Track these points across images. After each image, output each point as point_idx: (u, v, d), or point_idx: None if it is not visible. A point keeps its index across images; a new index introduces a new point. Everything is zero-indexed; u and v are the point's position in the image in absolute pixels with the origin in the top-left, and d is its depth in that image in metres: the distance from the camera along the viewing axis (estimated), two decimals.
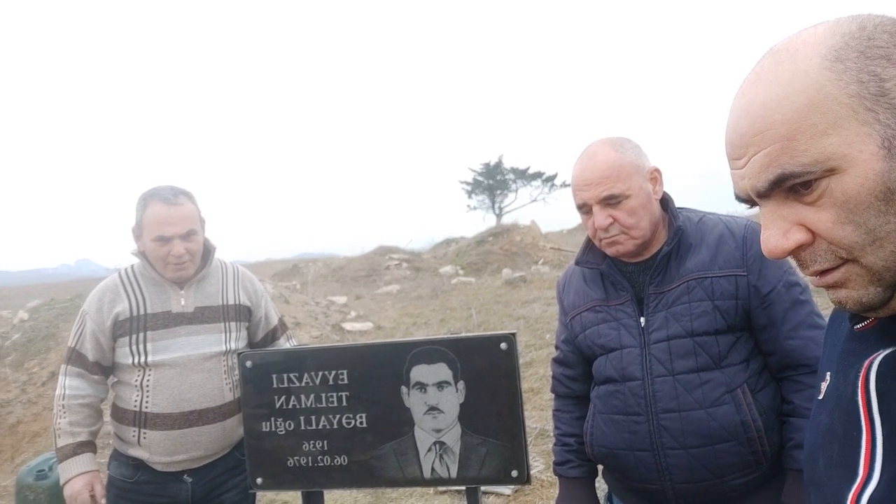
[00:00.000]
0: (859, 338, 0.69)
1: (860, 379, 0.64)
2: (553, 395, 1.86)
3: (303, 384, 1.90)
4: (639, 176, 1.50)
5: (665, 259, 1.52)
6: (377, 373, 1.85)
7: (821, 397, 0.74)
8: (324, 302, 10.89)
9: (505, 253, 15.48)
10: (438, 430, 1.79)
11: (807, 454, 0.76)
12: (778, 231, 0.62)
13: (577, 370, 1.72)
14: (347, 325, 9.28)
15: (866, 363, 0.64)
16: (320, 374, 1.89)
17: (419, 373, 1.81)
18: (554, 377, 1.81)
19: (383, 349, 1.89)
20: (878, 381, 0.62)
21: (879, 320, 0.66)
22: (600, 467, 1.73)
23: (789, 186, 0.60)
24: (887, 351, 0.63)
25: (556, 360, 1.80)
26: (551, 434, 4.53)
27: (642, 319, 1.52)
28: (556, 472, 1.77)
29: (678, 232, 1.51)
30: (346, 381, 1.87)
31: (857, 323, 0.69)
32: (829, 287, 0.63)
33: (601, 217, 1.48)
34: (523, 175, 40.10)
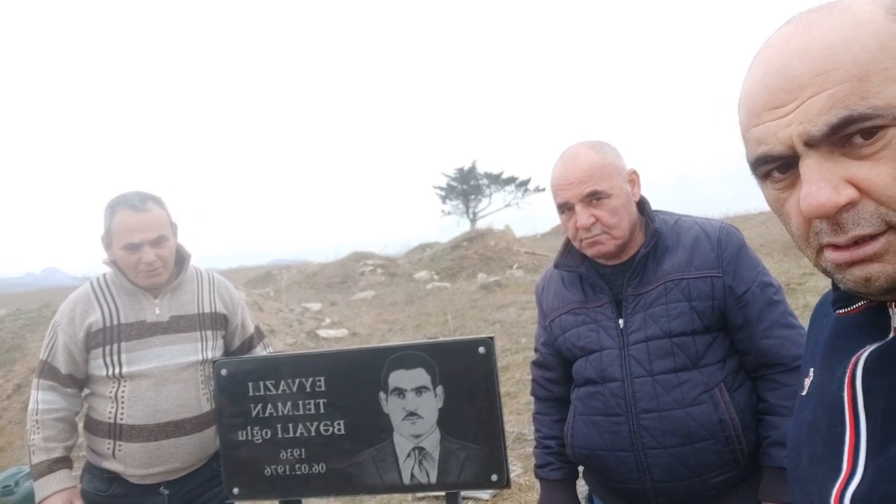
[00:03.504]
0: (845, 334, 0.68)
1: (847, 375, 0.64)
2: (532, 399, 1.86)
3: (279, 392, 1.87)
4: (619, 177, 1.52)
5: (643, 261, 1.54)
6: (355, 379, 1.83)
7: (804, 393, 0.74)
8: (298, 309, 10.80)
9: (480, 258, 15.52)
10: (417, 436, 1.78)
11: (790, 450, 0.75)
12: (827, 184, 0.56)
13: (557, 372, 1.73)
14: (322, 332, 9.21)
15: (853, 359, 0.64)
16: (297, 381, 1.87)
17: (397, 378, 1.80)
18: (534, 380, 1.82)
19: (361, 355, 1.87)
20: (865, 377, 0.62)
21: (865, 309, 0.65)
22: (580, 468, 1.74)
23: (845, 136, 0.56)
24: (873, 346, 0.63)
25: (535, 363, 1.81)
26: (528, 438, 4.57)
27: (621, 321, 1.54)
28: (536, 475, 1.78)
29: (655, 234, 1.53)
30: (323, 388, 1.85)
31: (842, 307, 0.67)
32: (859, 262, 0.58)
33: (584, 216, 1.49)
34: (497, 180, 40.30)
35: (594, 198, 1.49)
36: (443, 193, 41.49)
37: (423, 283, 14.19)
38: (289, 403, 1.86)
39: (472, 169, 40.37)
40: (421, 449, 1.79)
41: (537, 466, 1.77)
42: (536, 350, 1.81)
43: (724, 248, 1.51)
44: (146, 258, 2.02)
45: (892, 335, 0.62)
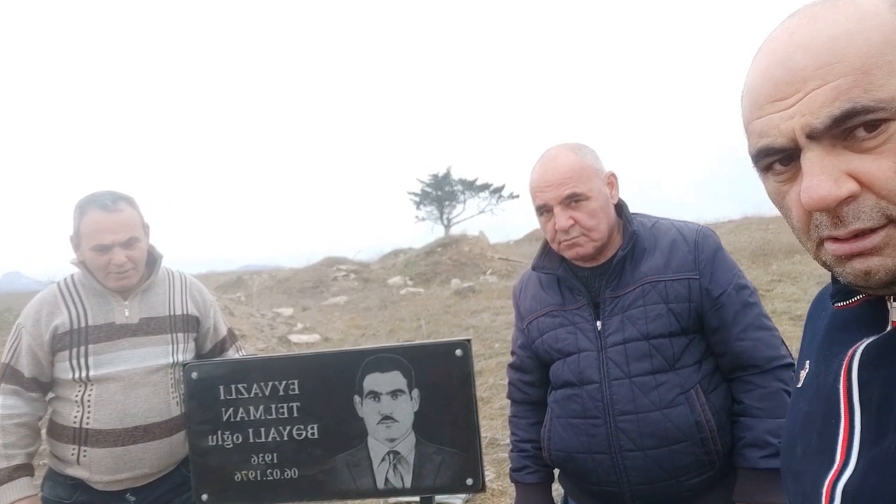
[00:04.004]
0: (842, 327, 0.69)
1: (843, 367, 0.64)
2: (506, 403, 1.85)
3: (252, 395, 1.84)
4: (598, 179, 1.53)
5: (620, 263, 1.54)
6: (329, 382, 1.81)
7: (799, 385, 0.74)
8: (269, 314, 10.69)
9: (454, 263, 15.54)
10: (392, 440, 1.76)
11: (785, 442, 0.75)
12: (828, 178, 0.56)
13: (534, 375, 1.73)
14: (294, 338, 9.11)
15: (850, 352, 0.64)
16: (270, 384, 1.83)
17: (373, 381, 1.78)
18: (510, 383, 1.81)
19: (336, 358, 1.85)
20: (861, 369, 0.62)
21: (864, 303, 0.66)
22: (556, 472, 1.74)
23: (847, 129, 0.56)
24: (870, 339, 0.63)
25: (512, 366, 1.80)
26: (501, 443, 4.56)
27: (599, 323, 1.54)
28: (512, 479, 1.77)
29: (633, 236, 1.53)
30: (297, 392, 1.82)
31: (840, 301, 0.68)
32: (859, 255, 0.58)
33: (562, 218, 1.49)
34: (471, 186, 40.42)
35: (573, 200, 1.49)
36: (417, 199, 41.47)
37: (397, 288, 14.15)
38: (261, 407, 1.83)
39: (447, 175, 40.44)
40: (396, 453, 1.76)
41: (513, 470, 1.76)
42: (513, 353, 1.80)
43: (700, 250, 1.52)
44: (116, 260, 1.96)
45: (889, 328, 0.62)
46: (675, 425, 1.44)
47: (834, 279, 0.68)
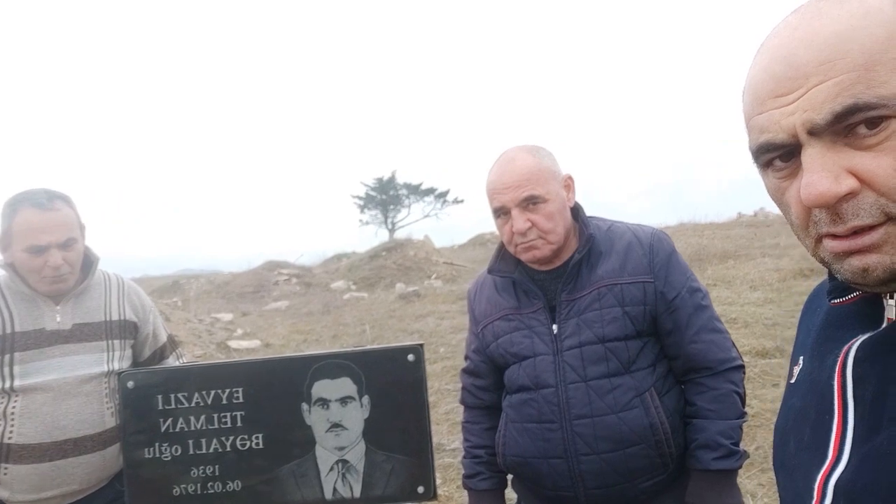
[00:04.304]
0: (837, 324, 0.69)
1: (837, 363, 0.64)
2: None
3: (192, 405, 1.75)
4: (555, 182, 1.52)
5: (576, 266, 1.53)
6: (276, 390, 1.74)
7: (793, 381, 0.74)
8: (208, 319, 10.38)
9: (398, 268, 15.46)
10: (341, 448, 1.71)
11: (778, 437, 0.75)
12: (828, 174, 0.56)
13: (488, 380, 1.70)
14: (234, 343, 8.86)
15: (845, 348, 0.64)
16: (212, 392, 1.75)
17: (321, 388, 1.72)
18: (464, 388, 1.78)
19: (283, 364, 1.78)
20: (856, 365, 0.62)
21: (859, 300, 0.66)
22: (510, 477, 1.72)
23: (848, 125, 0.56)
24: (865, 336, 0.63)
25: (465, 371, 1.77)
26: (447, 448, 4.53)
27: (555, 327, 1.53)
28: (465, 486, 1.74)
29: (590, 239, 1.53)
30: (241, 400, 1.74)
31: (837, 297, 0.68)
32: (857, 252, 0.58)
33: (520, 221, 1.48)
34: (416, 190, 40.47)
35: (531, 202, 1.48)
36: (361, 203, 41.24)
37: (340, 292, 13.98)
38: (202, 417, 1.74)
39: (392, 179, 40.38)
40: (345, 462, 1.71)
41: (466, 477, 1.73)
42: (467, 357, 1.77)
43: (655, 253, 1.53)
44: (52, 262, 1.83)
45: (885, 325, 0.62)
46: (630, 428, 1.45)
47: (831, 276, 0.68)
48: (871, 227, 0.57)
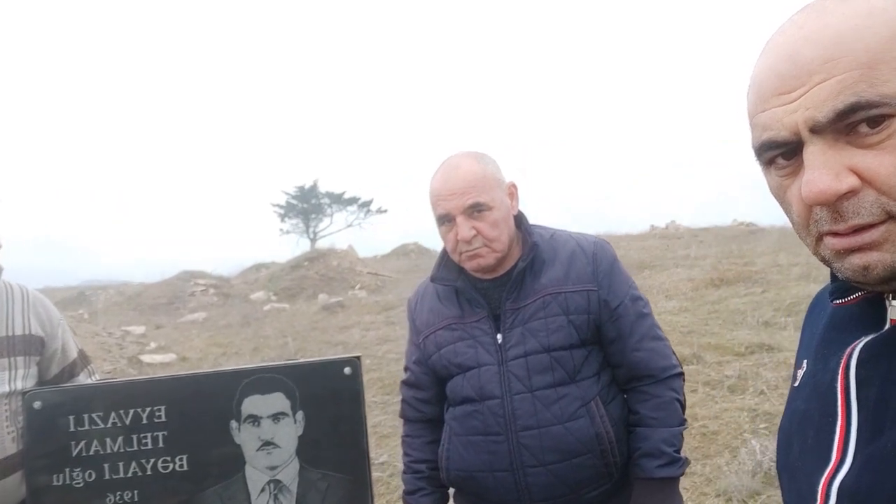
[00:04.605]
0: (840, 326, 0.69)
1: (841, 366, 0.64)
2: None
3: (109, 425, 1.61)
4: (500, 189, 1.50)
5: (521, 275, 1.52)
6: (202, 407, 1.63)
7: (796, 384, 0.74)
8: (118, 332, 9.85)
9: (321, 278, 15.19)
10: (273, 468, 1.62)
11: (781, 440, 0.75)
12: (829, 172, 0.56)
13: (430, 392, 1.66)
14: (147, 358, 8.43)
15: (848, 350, 0.64)
16: (131, 412, 1.62)
17: (252, 404, 1.62)
18: (404, 401, 1.72)
19: (210, 380, 1.67)
20: (859, 368, 0.62)
21: (862, 301, 0.66)
22: (451, 492, 1.68)
23: (851, 123, 0.56)
24: (868, 338, 0.63)
25: (405, 383, 1.72)
26: (376, 462, 4.44)
27: (499, 336, 1.51)
28: (406, 502, 1.68)
29: (534, 248, 1.52)
30: (163, 419, 1.62)
31: (839, 298, 0.68)
32: (858, 250, 0.58)
33: (465, 228, 1.45)
34: (339, 200, 39.97)
35: (476, 210, 1.45)
36: (282, 211, 40.30)
37: (260, 304, 13.59)
38: (119, 439, 1.61)
39: (314, 187, 39.71)
40: (277, 482, 1.62)
41: (406, 493, 1.68)
42: (407, 369, 1.72)
43: (599, 262, 1.53)
44: None
45: (888, 326, 0.63)
46: (576, 438, 1.44)
47: (833, 277, 0.68)
48: (871, 226, 0.57)
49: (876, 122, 0.55)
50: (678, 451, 1.47)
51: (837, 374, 0.64)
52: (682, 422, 1.51)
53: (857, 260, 0.59)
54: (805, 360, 0.75)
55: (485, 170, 1.49)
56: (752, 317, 6.98)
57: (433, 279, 1.62)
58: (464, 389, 1.53)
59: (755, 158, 0.65)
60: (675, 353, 1.57)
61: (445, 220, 1.49)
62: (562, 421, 1.44)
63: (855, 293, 0.67)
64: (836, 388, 0.64)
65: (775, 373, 5.11)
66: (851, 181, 0.56)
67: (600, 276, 1.52)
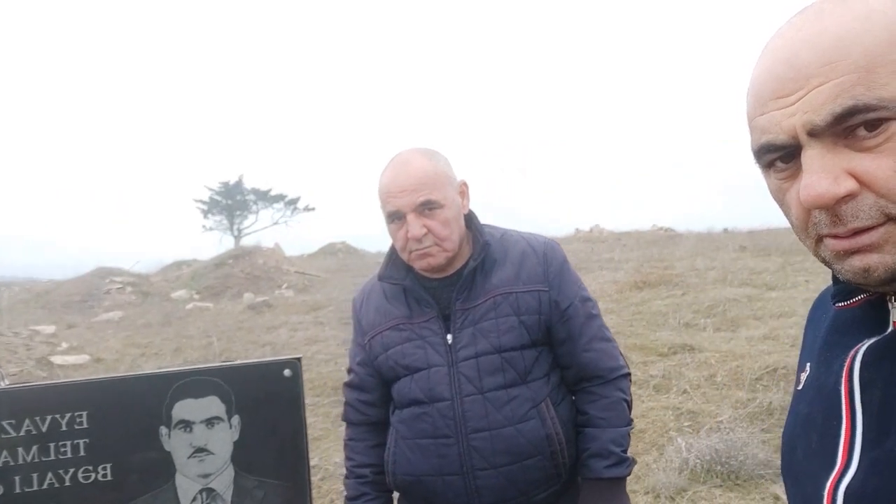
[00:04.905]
0: (843, 329, 0.69)
1: (844, 369, 0.64)
2: (340, 424, 1.72)
3: (21, 433, 1.48)
4: (451, 187, 1.47)
5: (471, 274, 1.49)
6: (128, 412, 1.52)
7: (800, 388, 0.74)
8: (25, 332, 9.24)
9: (247, 276, 14.77)
10: (206, 475, 1.53)
11: (785, 443, 0.75)
12: (828, 175, 0.56)
13: (375, 394, 1.61)
14: (57, 359, 7.94)
15: (851, 353, 0.64)
16: (48, 418, 1.49)
17: (184, 409, 1.53)
18: (347, 403, 1.67)
19: (138, 383, 1.56)
20: (863, 370, 0.62)
21: (864, 303, 0.66)
22: (395, 496, 1.63)
23: (849, 127, 0.56)
24: (871, 340, 0.63)
25: (349, 385, 1.66)
26: (314, 465, 4.33)
27: (449, 336, 1.48)
28: None
29: (485, 247, 1.50)
30: (85, 426, 1.50)
31: (841, 301, 0.68)
32: (858, 251, 0.58)
33: (416, 226, 1.41)
34: (265, 196, 39.06)
35: (427, 208, 1.42)
36: (205, 207, 39.00)
37: (182, 302, 13.08)
38: (34, 448, 1.47)
39: (239, 183, 38.65)
40: (210, 490, 1.53)
41: (349, 499, 1.62)
42: (350, 370, 1.67)
43: (549, 263, 1.53)
44: None
45: (890, 329, 0.63)
46: (527, 440, 1.43)
47: (835, 279, 0.68)
48: (871, 228, 0.57)
49: (874, 125, 0.56)
50: (625, 451, 1.48)
51: (841, 377, 0.65)
52: (630, 422, 1.52)
53: (858, 262, 0.59)
54: (808, 364, 0.75)
55: (436, 167, 1.46)
56: (674, 318, 7.24)
57: (381, 277, 1.57)
58: (412, 391, 1.49)
59: (754, 161, 0.65)
60: (622, 354, 1.59)
61: (395, 217, 1.45)
62: (513, 423, 1.43)
63: (857, 295, 0.67)
64: (839, 391, 0.64)
65: (697, 372, 5.31)
66: (850, 185, 0.56)
67: (551, 277, 1.52)
